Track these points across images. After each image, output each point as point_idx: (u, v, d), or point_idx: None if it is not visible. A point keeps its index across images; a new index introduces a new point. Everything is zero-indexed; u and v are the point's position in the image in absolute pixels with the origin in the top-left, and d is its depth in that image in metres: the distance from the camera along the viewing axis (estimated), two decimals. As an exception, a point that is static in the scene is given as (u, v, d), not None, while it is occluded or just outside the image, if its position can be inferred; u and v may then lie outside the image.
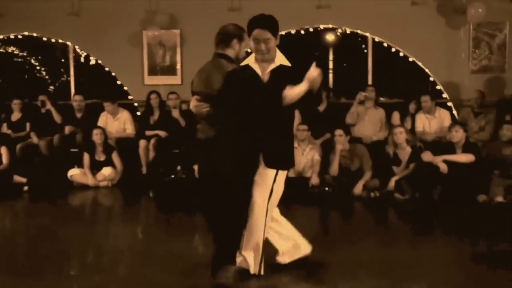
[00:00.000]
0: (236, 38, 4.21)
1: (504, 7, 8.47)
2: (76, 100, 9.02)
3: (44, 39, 10.00)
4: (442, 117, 8.07)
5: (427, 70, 8.81)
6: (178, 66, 9.45)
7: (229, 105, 3.82)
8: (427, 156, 7.02)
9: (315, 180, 7.39)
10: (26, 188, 7.92)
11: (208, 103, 3.90)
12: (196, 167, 7.54)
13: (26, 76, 13.38)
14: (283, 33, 9.19)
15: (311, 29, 9.22)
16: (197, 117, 4.01)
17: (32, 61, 13.26)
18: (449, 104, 8.74)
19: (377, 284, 3.93)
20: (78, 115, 8.96)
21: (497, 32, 8.63)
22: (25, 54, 13.03)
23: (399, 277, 4.06)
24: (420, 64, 8.78)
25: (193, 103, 3.98)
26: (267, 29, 3.97)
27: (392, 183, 7.07)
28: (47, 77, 13.45)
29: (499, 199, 6.67)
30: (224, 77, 3.89)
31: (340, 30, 9.39)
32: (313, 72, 3.71)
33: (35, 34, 9.86)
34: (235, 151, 3.80)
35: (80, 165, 8.21)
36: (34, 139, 8.69)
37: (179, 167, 7.89)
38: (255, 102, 3.77)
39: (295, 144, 7.65)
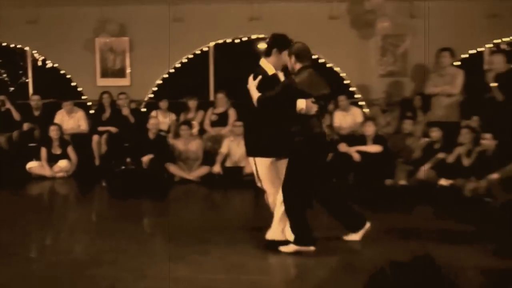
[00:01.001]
0: None
1: (406, 22, 8.72)
2: (34, 99, 8.77)
3: (4, 44, 9.58)
4: (356, 114, 8.21)
5: (342, 75, 8.98)
6: (127, 70, 9.26)
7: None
8: (342, 147, 7.20)
9: (249, 169, 7.40)
10: (-13, 180, 7.58)
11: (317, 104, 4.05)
12: (144, 159, 7.46)
13: (-14, 78, 12.77)
14: (220, 41, 9.21)
15: (245, 39, 9.22)
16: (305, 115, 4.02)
17: (-8, 64, 12.68)
18: (361, 103, 8.93)
19: (300, 254, 3.98)
20: (36, 113, 8.68)
21: (400, 43, 8.87)
22: (-15, 58, 12.44)
23: (320, 246, 4.09)
24: (337, 69, 8.94)
25: (305, 104, 3.98)
26: None
27: (314, 170, 7.18)
28: (6, 79, 12.85)
29: (402, 182, 6.92)
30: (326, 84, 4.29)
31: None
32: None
33: (-5, 40, 9.45)
34: None
35: (38, 158, 7.94)
36: (-5, 135, 8.33)
37: (128, 159, 7.73)
38: None
39: (232, 138, 7.69)
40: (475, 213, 5.45)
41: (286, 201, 4.06)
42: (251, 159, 4.28)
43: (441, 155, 6.78)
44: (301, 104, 3.98)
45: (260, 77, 4.15)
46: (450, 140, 6.83)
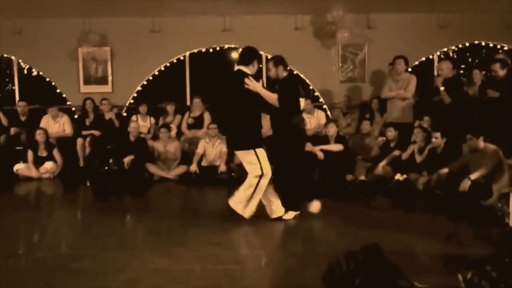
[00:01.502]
0: None
1: (364, 33, 8.85)
2: (21, 105, 8.57)
3: (-10, 53, 9.34)
4: (319, 116, 8.26)
5: (307, 80, 9.04)
6: (109, 77, 9.14)
7: None
8: (308, 147, 7.23)
9: (223, 167, 7.41)
10: (-24, 181, 7.37)
11: None
12: (126, 160, 7.37)
13: (-26, 86, 12.39)
14: (195, 51, 9.17)
15: (218, 48, 9.21)
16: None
17: (-20, 73, 12.30)
18: (324, 106, 9.02)
19: (270, 244, 3.98)
20: (23, 118, 8.49)
21: (359, 51, 8.97)
22: (-27, 66, 12.06)
23: (287, 238, 4.13)
24: (302, 75, 9.01)
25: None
26: None
27: (282, 168, 7.21)
28: (-6, 86, 12.52)
29: (362, 177, 7.01)
30: None
31: (241, 49, 9.42)
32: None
33: (-18, 50, 9.19)
34: None
35: (25, 160, 7.77)
36: (-17, 139, 8.10)
37: (111, 160, 7.63)
38: None
39: (207, 139, 7.66)
40: (427, 204, 5.57)
41: (279, 179, 4.63)
42: (251, 151, 4.55)
43: (396, 153, 6.88)
44: (303, 102, 4.78)
45: (261, 80, 4.66)
46: (404, 139, 6.95)
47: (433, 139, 6.28)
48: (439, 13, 8.67)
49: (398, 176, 6.61)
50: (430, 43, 8.83)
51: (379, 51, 8.75)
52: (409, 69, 8.03)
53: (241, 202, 4.62)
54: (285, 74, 4.86)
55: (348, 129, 8.24)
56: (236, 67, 4.68)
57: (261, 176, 4.53)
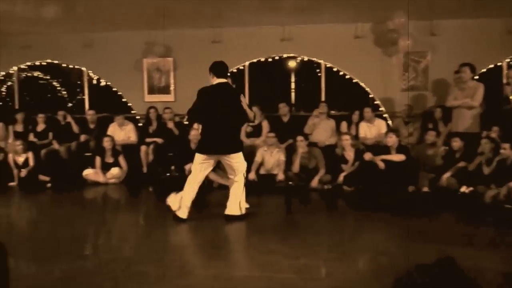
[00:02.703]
0: None
1: (427, 40, 8.58)
2: (90, 114, 8.96)
3: (64, 65, 9.88)
4: (380, 126, 8.09)
5: (367, 89, 8.87)
6: (172, 87, 9.40)
7: None
8: (368, 156, 7.08)
9: (281, 176, 7.39)
10: (49, 185, 7.80)
11: None
12: (187, 167, 7.52)
13: (48, 95, 13.14)
14: (254, 61, 9.25)
15: (277, 57, 9.24)
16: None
17: (54, 83, 13.03)
18: (385, 115, 8.81)
19: (329, 256, 3.93)
20: (91, 126, 8.87)
21: (421, 59, 8.71)
22: (48, 77, 12.79)
23: (347, 249, 4.06)
24: (362, 84, 8.85)
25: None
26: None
27: (341, 178, 7.11)
28: (66, 95, 13.22)
29: (425, 189, 6.74)
30: None
31: (299, 58, 9.41)
32: None
33: (56, 61, 9.76)
34: None
35: (93, 166, 8.10)
36: (56, 145, 8.57)
37: (173, 167, 7.82)
38: None
39: (265, 148, 7.68)
40: (495, 219, 5.27)
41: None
42: (238, 154, 5.14)
43: (462, 164, 6.59)
44: None
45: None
46: (470, 149, 6.64)
47: (502, 150, 5.96)
48: (508, 18, 8.24)
49: (464, 189, 6.31)
50: (498, 50, 8.39)
51: (443, 58, 8.44)
52: (476, 77, 7.68)
53: (236, 205, 5.17)
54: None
55: (410, 139, 7.97)
56: (221, 80, 5.19)
57: (246, 172, 5.36)
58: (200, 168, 5.20)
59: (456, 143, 6.75)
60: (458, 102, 7.08)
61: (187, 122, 9.10)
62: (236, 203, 5.20)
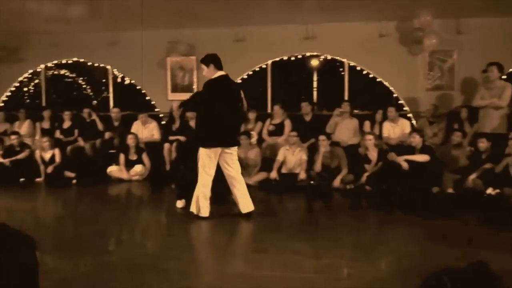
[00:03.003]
0: None
1: (453, 38, 8.41)
2: (114, 112, 9.09)
3: (89, 63, 10.04)
4: (404, 125, 7.98)
5: (391, 88, 8.76)
6: (195, 85, 9.46)
7: None
8: (391, 156, 7.00)
9: (302, 175, 7.36)
10: (74, 181, 7.94)
11: None
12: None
13: (74, 93, 13.36)
14: (277, 59, 9.23)
15: (299, 56, 9.20)
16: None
17: (79, 81, 13.26)
18: (409, 115, 8.68)
19: (352, 255, 3.91)
20: (116, 123, 8.99)
21: (447, 58, 8.55)
22: (74, 75, 13.02)
23: (370, 250, 4.03)
24: (386, 83, 8.74)
25: None
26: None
27: (364, 177, 7.05)
28: (91, 93, 13.43)
29: (450, 190, 6.63)
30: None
31: (323, 57, 9.36)
32: None
33: (82, 60, 9.91)
34: None
35: (117, 163, 8.21)
36: (81, 142, 8.71)
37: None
38: None
39: (287, 147, 7.66)
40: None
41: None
42: (234, 148, 5.15)
43: (488, 165, 6.45)
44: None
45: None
46: (497, 150, 6.50)
47: (531, 152, 5.81)
48: (539, 16, 8.03)
49: (490, 190, 6.19)
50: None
51: (469, 57, 8.27)
52: (504, 77, 7.50)
53: (249, 201, 5.18)
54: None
55: (434, 139, 7.84)
56: (222, 72, 5.16)
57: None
58: (209, 164, 5.05)
59: (483, 144, 6.62)
60: (485, 102, 6.93)
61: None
62: (248, 198, 5.22)
